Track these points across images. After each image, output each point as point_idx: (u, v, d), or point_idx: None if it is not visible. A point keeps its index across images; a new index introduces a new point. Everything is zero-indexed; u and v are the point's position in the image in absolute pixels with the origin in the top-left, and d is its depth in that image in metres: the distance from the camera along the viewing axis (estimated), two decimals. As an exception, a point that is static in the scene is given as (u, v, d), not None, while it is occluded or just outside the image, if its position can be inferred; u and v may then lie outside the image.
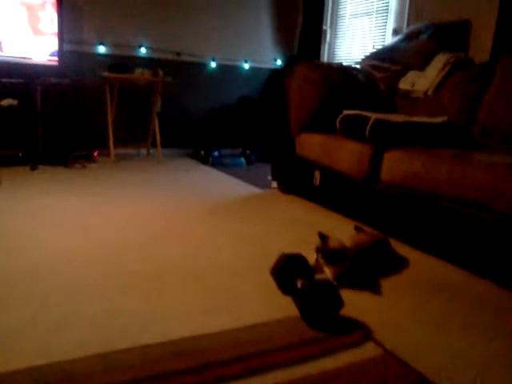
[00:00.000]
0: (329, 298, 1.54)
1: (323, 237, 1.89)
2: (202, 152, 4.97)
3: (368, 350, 1.40)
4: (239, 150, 5.32)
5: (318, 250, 1.87)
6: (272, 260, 1.86)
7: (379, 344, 1.43)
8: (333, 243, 1.86)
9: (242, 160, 4.94)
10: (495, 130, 2.53)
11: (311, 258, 1.90)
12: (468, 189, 1.97)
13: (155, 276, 1.87)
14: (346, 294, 1.76)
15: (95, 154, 4.68)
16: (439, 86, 3.03)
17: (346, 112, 2.73)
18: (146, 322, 1.51)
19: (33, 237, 2.28)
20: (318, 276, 1.84)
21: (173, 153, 5.24)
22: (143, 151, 5.17)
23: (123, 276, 1.86)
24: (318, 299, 1.53)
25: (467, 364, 1.38)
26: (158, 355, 1.32)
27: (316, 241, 1.93)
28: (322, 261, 1.87)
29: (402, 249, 2.32)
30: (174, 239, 2.36)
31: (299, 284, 1.68)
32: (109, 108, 4.58)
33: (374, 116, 2.46)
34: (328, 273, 1.87)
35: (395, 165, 2.34)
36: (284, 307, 1.66)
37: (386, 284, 1.93)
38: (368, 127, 2.46)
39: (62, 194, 3.16)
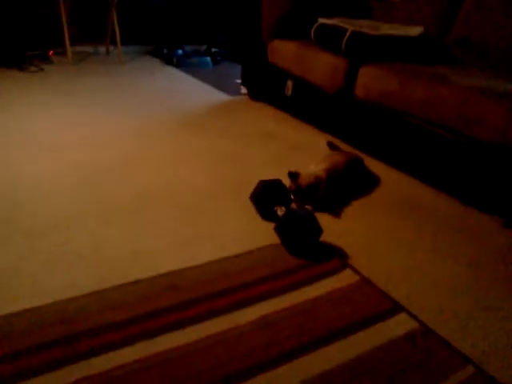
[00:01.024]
0: (308, 226, 1.61)
1: (294, 175, 1.90)
2: (166, 50, 4.73)
3: (346, 277, 1.51)
4: (204, 47, 5.08)
5: (291, 190, 1.89)
6: (249, 182, 1.89)
7: (356, 271, 1.54)
8: (303, 180, 1.89)
9: (208, 60, 4.75)
10: (470, 43, 2.50)
11: (287, 179, 1.95)
12: (441, 112, 2.00)
13: (134, 205, 1.88)
14: (323, 219, 1.84)
15: (50, 53, 4.37)
16: (416, -11, 2.91)
17: (321, 21, 2.62)
18: (132, 256, 1.55)
19: None
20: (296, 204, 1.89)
21: (133, 50, 4.96)
22: (102, 49, 4.87)
23: (103, 205, 1.86)
24: (298, 227, 1.60)
25: (434, 288, 1.51)
26: (149, 291, 1.38)
27: (290, 164, 1.96)
28: (295, 200, 1.90)
29: (374, 165, 2.39)
30: (148, 161, 2.32)
31: (279, 212, 1.74)
32: (61, 0, 4.18)
33: (350, 28, 2.38)
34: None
35: (371, 82, 2.32)
36: (265, 233, 1.73)
37: (360, 205, 2.02)
38: (344, 40, 2.38)
39: (20, 107, 2.99)
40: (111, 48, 4.80)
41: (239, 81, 3.69)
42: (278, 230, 1.65)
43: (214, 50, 4.97)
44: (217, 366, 1.13)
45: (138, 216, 1.80)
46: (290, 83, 2.95)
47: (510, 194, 1.87)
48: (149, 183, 2.07)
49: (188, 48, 4.97)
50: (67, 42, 4.24)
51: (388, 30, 2.53)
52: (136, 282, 1.42)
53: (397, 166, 2.38)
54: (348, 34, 2.38)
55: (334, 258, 1.61)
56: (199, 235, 1.70)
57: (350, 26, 2.41)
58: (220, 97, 3.63)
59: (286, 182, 1.92)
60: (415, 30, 2.50)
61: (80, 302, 1.31)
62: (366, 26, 2.52)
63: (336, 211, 1.94)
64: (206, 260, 1.55)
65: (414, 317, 1.35)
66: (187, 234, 1.70)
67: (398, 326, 1.31)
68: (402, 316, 1.35)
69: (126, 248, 1.59)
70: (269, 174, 1.94)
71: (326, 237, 1.70)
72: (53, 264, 1.47)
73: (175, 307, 1.32)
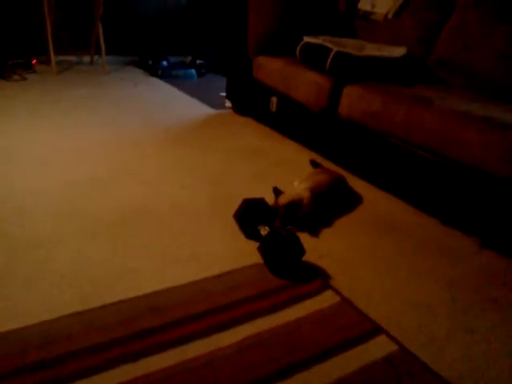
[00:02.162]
0: (291, 247, 1.63)
1: (277, 192, 1.96)
2: (150, 61, 4.74)
3: (327, 299, 1.53)
4: (189, 59, 5.10)
5: (272, 206, 1.92)
6: (234, 200, 1.91)
7: (337, 292, 1.56)
8: (284, 199, 1.92)
9: (193, 72, 4.76)
10: (452, 64, 2.57)
11: (271, 194, 1.98)
12: (423, 133, 2.04)
13: (118, 222, 1.88)
14: (306, 238, 1.87)
15: (33, 62, 4.35)
16: (400, 10, 2.98)
17: (306, 39, 2.66)
18: (116, 275, 1.55)
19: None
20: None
21: (118, 61, 4.96)
22: (86, 59, 4.86)
23: (85, 222, 1.85)
24: (281, 248, 1.62)
25: (413, 309, 1.54)
26: (131, 312, 1.38)
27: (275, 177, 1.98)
28: (278, 219, 1.92)
29: (356, 184, 2.43)
30: (132, 176, 2.32)
31: (262, 231, 1.76)
32: (46, 9, 4.14)
33: (335, 48, 2.42)
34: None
35: (354, 102, 2.36)
36: (248, 252, 1.75)
37: (342, 224, 2.05)
38: (329, 60, 2.43)
39: (2, 118, 2.97)
40: (95, 58, 4.79)
41: (224, 94, 3.71)
42: (260, 250, 1.67)
43: (198, 61, 4.99)
44: (200, 389, 1.14)
45: (121, 234, 1.80)
46: (274, 99, 2.98)
47: (486, 216, 1.92)
48: (132, 200, 2.07)
49: (173, 59, 4.98)
50: (51, 51, 4.22)
51: (372, 50, 2.58)
52: (119, 302, 1.42)
53: (379, 185, 2.42)
54: (332, 53, 2.42)
55: (316, 278, 1.63)
56: (183, 254, 1.71)
57: (334, 45, 2.46)
58: (204, 110, 3.64)
59: (271, 198, 1.95)
60: (398, 51, 2.56)
61: (62, 323, 1.31)
62: (350, 46, 2.57)
63: (318, 230, 1.97)
64: (189, 280, 1.56)
65: (393, 339, 1.38)
66: (171, 253, 1.71)
67: (377, 349, 1.33)
68: (382, 338, 1.38)
69: (109, 267, 1.59)
70: (253, 191, 1.96)
71: (308, 256, 1.72)
72: (33, 283, 1.47)
73: (158, 329, 1.32)
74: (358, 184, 2.44)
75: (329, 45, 2.47)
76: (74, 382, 1.12)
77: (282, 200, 1.92)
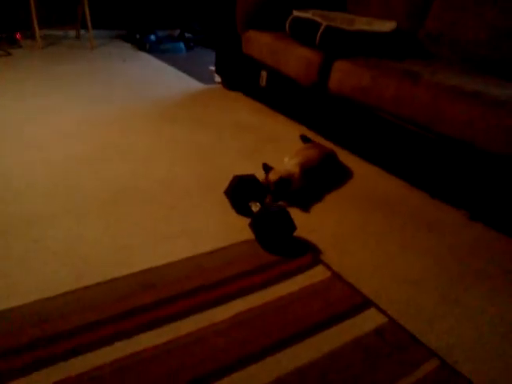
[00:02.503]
0: (282, 223, 1.64)
1: (267, 168, 1.96)
2: (138, 36, 4.65)
3: (318, 273, 1.55)
4: (177, 32, 5.02)
5: (263, 183, 1.93)
6: (224, 176, 1.92)
7: (328, 267, 1.59)
8: (273, 175, 1.92)
9: (182, 45, 4.69)
10: (441, 38, 2.55)
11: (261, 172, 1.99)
12: (412, 108, 2.05)
13: (109, 200, 1.88)
14: (297, 214, 1.88)
15: (17, 36, 4.25)
16: (390, -17, 2.93)
17: (295, 13, 2.62)
18: (108, 253, 1.56)
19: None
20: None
21: (105, 35, 4.87)
22: (72, 33, 4.76)
23: (76, 200, 1.85)
24: (272, 224, 1.63)
25: (402, 282, 1.57)
26: (125, 289, 1.39)
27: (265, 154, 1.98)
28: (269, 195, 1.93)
29: (347, 159, 2.44)
30: (122, 153, 2.30)
31: (253, 207, 1.77)
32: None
33: (325, 23, 2.39)
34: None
35: (344, 76, 2.34)
36: (240, 229, 1.76)
37: (332, 199, 2.07)
38: (318, 34, 2.40)
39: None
40: (82, 32, 4.69)
41: (213, 68, 3.66)
42: (252, 226, 1.68)
43: (187, 35, 4.91)
44: (194, 364, 1.16)
45: (112, 212, 1.80)
46: (264, 74, 2.96)
47: (474, 188, 1.95)
48: (122, 177, 2.06)
49: (161, 33, 4.90)
50: (36, 26, 4.12)
51: (362, 24, 2.56)
52: (112, 280, 1.43)
53: (369, 160, 2.43)
54: (322, 28, 2.39)
55: (307, 253, 1.65)
56: (174, 231, 1.71)
57: (323, 19, 2.43)
58: (194, 85, 3.60)
59: (261, 174, 1.96)
60: (388, 25, 2.54)
61: (57, 302, 1.32)
62: (340, 20, 2.55)
63: (309, 206, 1.98)
64: (182, 256, 1.57)
65: (382, 312, 1.41)
66: (162, 230, 1.71)
67: (367, 322, 1.36)
68: (372, 311, 1.41)
69: (101, 245, 1.59)
70: (244, 167, 1.97)
71: (299, 232, 1.74)
72: (27, 262, 1.47)
73: (152, 306, 1.34)
74: (348, 159, 2.44)
75: (318, 19, 2.44)
76: (69, 359, 1.14)
77: (272, 176, 1.93)
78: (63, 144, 2.34)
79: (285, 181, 1.91)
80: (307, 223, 1.85)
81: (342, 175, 2.29)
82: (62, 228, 1.66)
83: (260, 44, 2.92)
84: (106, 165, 2.16)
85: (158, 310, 1.32)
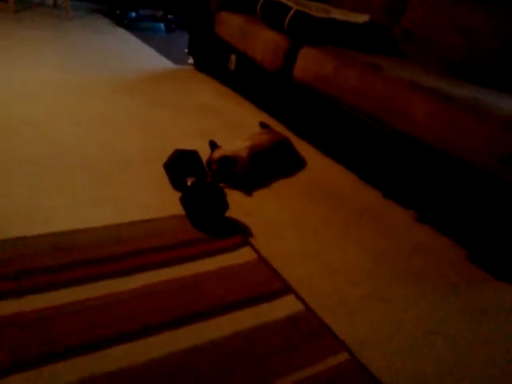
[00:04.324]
0: (213, 200, 1.56)
1: (213, 145, 1.89)
2: (118, 11, 4.53)
3: (243, 255, 1.48)
4: (160, 13, 4.91)
5: (206, 161, 1.85)
6: (170, 151, 1.82)
7: (255, 250, 1.51)
8: (217, 154, 1.84)
9: (162, 26, 4.59)
10: (415, 36, 2.50)
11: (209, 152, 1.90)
12: (371, 101, 1.99)
13: (42, 160, 1.78)
14: (236, 196, 1.80)
15: (-8, -3, 4.11)
16: (370, -22, 2.88)
17: (268, -5, 2.55)
18: (25, 210, 1.46)
19: None
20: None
21: (84, 7, 4.74)
22: (49, 1, 4.62)
23: (6, 158, 1.75)
24: (202, 200, 1.55)
25: (332, 275, 1.50)
26: (31, 248, 1.30)
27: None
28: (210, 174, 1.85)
29: (304, 149, 2.37)
30: (71, 117, 2.21)
31: (189, 182, 1.68)
32: None
33: (295, 7, 2.32)
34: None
35: (308, 64, 2.28)
36: (173, 203, 1.67)
37: (278, 186, 1.99)
38: (287, 18, 2.33)
39: None
40: (59, 1, 4.56)
41: (187, 51, 3.57)
42: (182, 200, 1.60)
43: (170, 17, 4.80)
44: (82, 330, 1.07)
45: (42, 173, 1.70)
46: (233, 57, 2.87)
47: (425, 189, 1.89)
48: (65, 141, 1.97)
49: (143, 12, 4.78)
50: (11, -12, 3.98)
51: (336, 14, 2.49)
52: (22, 238, 1.34)
53: (326, 152, 2.37)
54: (292, 12, 2.32)
55: (236, 235, 1.57)
56: (103, 198, 1.62)
57: (295, 5, 2.35)
58: (165, 64, 3.50)
59: (207, 154, 1.88)
60: (362, 18, 2.48)
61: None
62: (314, 9, 2.47)
63: (252, 190, 1.90)
64: (104, 224, 1.48)
65: (301, 300, 1.33)
66: (91, 196, 1.62)
67: (283, 308, 1.29)
68: (290, 298, 1.33)
69: (20, 202, 1.50)
70: (194, 146, 1.87)
71: (234, 213, 1.67)
72: None
73: (55, 268, 1.25)
74: (305, 149, 2.37)
75: (289, 3, 2.36)
76: None
77: (216, 154, 1.84)
78: (15, 103, 2.23)
79: (228, 160, 1.83)
80: (245, 206, 1.77)
81: (295, 164, 2.21)
82: (-19, 182, 1.56)
83: (231, 26, 2.84)
84: (51, 128, 2.06)
85: (62, 273, 1.23)
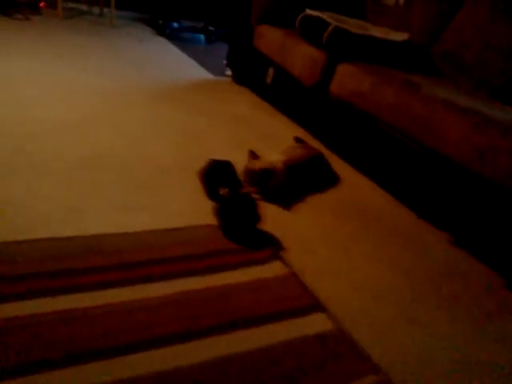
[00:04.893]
0: (245, 211, 1.57)
1: (254, 156, 1.90)
2: (161, 21, 4.63)
3: (274, 268, 1.47)
4: (201, 25, 5.00)
5: (245, 170, 1.86)
6: (205, 160, 1.83)
7: (286, 263, 1.50)
8: (257, 164, 1.85)
9: (202, 37, 4.67)
10: (454, 56, 2.46)
11: (244, 164, 1.91)
12: (407, 119, 1.96)
13: (80, 164, 1.82)
14: (270, 209, 1.81)
15: (41, 4, 4.27)
16: (412, -3, 2.86)
17: (307, 12, 2.56)
18: (60, 212, 1.50)
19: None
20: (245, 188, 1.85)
21: (128, 16, 4.86)
22: (96, 10, 4.76)
23: (45, 159, 1.80)
24: (235, 211, 1.56)
25: (361, 293, 1.47)
26: (67, 249, 1.33)
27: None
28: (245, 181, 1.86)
29: (339, 165, 2.35)
30: (110, 123, 2.26)
31: (221, 193, 1.69)
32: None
33: (334, 23, 2.32)
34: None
35: (345, 79, 2.27)
36: (206, 213, 1.68)
37: (312, 201, 1.98)
38: (326, 34, 2.33)
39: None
40: (105, 10, 4.69)
41: (226, 62, 3.62)
42: (216, 211, 1.60)
43: (210, 28, 4.88)
44: (105, 334, 1.08)
45: (81, 176, 1.74)
46: (271, 71, 2.89)
47: (462, 213, 1.85)
48: (103, 146, 2.01)
49: (185, 23, 4.88)
50: (60, -5, 4.13)
51: (374, 32, 2.48)
52: (55, 238, 1.37)
53: (361, 170, 2.35)
54: (330, 28, 2.32)
55: (267, 247, 1.56)
56: (138, 204, 1.65)
57: (334, 21, 2.36)
58: (204, 75, 3.55)
59: (242, 165, 1.89)
60: (400, 36, 2.46)
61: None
62: (352, 25, 2.47)
63: (285, 203, 1.90)
64: (136, 229, 1.50)
65: (331, 318, 1.31)
66: (126, 202, 1.65)
67: (312, 325, 1.27)
68: (320, 315, 1.32)
69: (55, 203, 1.53)
70: (228, 156, 1.89)
71: (265, 226, 1.67)
72: (-26, 209, 1.42)
73: (86, 270, 1.27)
74: (339, 165, 2.36)
75: (328, 19, 2.37)
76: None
77: (257, 165, 1.85)
78: (56, 107, 2.30)
79: (268, 172, 1.83)
80: (277, 219, 1.76)
81: (329, 180, 2.20)
82: (22, 183, 1.61)
83: (270, 39, 2.86)
84: (89, 131, 2.11)
85: (91, 276, 1.25)
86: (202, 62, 3.86)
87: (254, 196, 1.81)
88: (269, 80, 2.92)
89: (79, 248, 1.35)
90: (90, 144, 2.00)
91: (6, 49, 3.00)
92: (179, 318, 1.18)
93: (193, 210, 1.70)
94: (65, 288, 1.19)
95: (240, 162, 1.91)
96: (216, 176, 1.76)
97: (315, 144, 2.49)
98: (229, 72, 3.59)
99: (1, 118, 2.05)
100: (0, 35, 3.29)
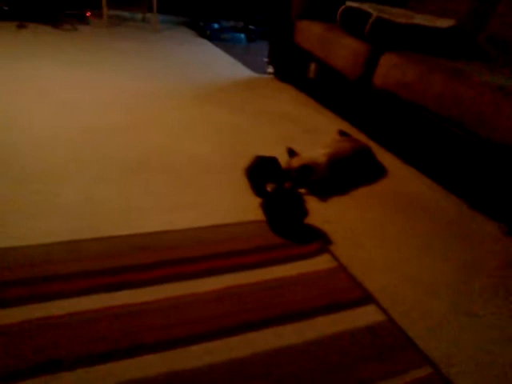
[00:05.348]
0: (292, 207, 1.57)
1: (291, 153, 1.90)
2: (201, 23, 4.70)
3: (323, 262, 1.47)
4: (241, 24, 5.03)
5: (285, 168, 1.87)
6: (250, 158, 1.85)
7: (335, 257, 1.50)
8: (297, 161, 1.85)
9: (242, 36, 4.70)
10: (503, 42, 2.37)
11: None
12: (456, 108, 1.91)
13: (130, 166, 1.88)
14: (316, 203, 1.80)
15: (88, 14, 4.42)
16: (456, -19, 2.77)
17: (348, 3, 2.53)
18: (114, 212, 1.55)
19: (9, 110, 2.24)
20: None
21: (170, 20, 4.96)
22: (139, 15, 4.89)
23: (97, 163, 1.87)
24: (282, 206, 1.56)
25: (414, 285, 1.45)
26: (122, 247, 1.38)
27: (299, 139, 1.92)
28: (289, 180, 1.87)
29: (385, 157, 2.32)
30: (157, 126, 2.32)
31: (269, 188, 1.71)
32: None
33: (375, 14, 2.29)
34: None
35: (389, 70, 2.23)
36: (253, 209, 1.70)
37: (358, 194, 1.96)
38: (368, 25, 2.30)
39: (47, 61, 3.05)
40: (148, 15, 4.81)
41: (267, 60, 3.63)
42: (262, 206, 1.62)
43: (250, 27, 4.91)
44: (165, 327, 1.12)
45: (132, 177, 1.80)
46: (313, 66, 2.88)
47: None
48: (151, 148, 2.07)
49: (225, 23, 4.93)
50: (104, 5, 4.26)
51: (418, 20, 2.42)
52: (111, 237, 1.42)
53: (408, 161, 2.30)
54: (372, 19, 2.29)
55: (315, 241, 1.57)
56: (187, 202, 1.69)
57: (376, 11, 2.32)
58: (246, 73, 3.58)
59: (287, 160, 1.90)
60: (446, 22, 2.39)
61: (51, 249, 1.32)
62: (395, 14, 2.43)
63: (332, 197, 1.89)
64: (186, 226, 1.54)
65: (383, 310, 1.30)
66: (174, 200, 1.69)
67: (363, 317, 1.27)
68: (370, 307, 1.31)
69: (110, 205, 1.59)
70: (273, 153, 1.91)
71: (313, 220, 1.67)
72: (35, 211, 1.49)
73: (141, 267, 1.31)
74: (386, 157, 2.33)
75: (369, 10, 2.34)
76: (50, 301, 1.13)
77: (295, 163, 1.85)
78: (104, 111, 2.39)
79: (307, 168, 1.83)
80: (324, 213, 1.76)
81: (376, 173, 2.17)
82: (78, 185, 1.68)
83: (311, 34, 2.85)
84: (137, 135, 2.18)
85: (146, 272, 1.30)
86: (244, 61, 3.89)
87: (301, 191, 1.81)
88: (311, 75, 2.91)
89: (134, 246, 1.40)
90: (140, 146, 2.07)
91: (55, 58, 3.13)
92: (233, 311, 1.20)
93: (240, 206, 1.72)
94: (122, 284, 1.23)
95: (285, 158, 1.92)
96: (262, 172, 1.78)
97: (360, 137, 2.46)
98: (270, 69, 3.60)
99: (58, 123, 2.14)
100: (50, 46, 3.43)
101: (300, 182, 1.84)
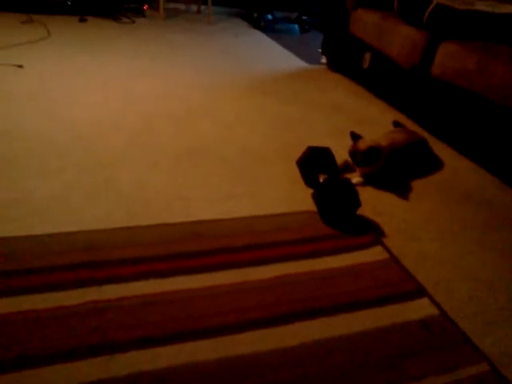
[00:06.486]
0: (345, 197, 1.56)
1: (355, 137, 1.86)
2: (255, 14, 4.71)
3: (375, 254, 1.45)
4: (295, 15, 5.00)
5: (349, 151, 1.84)
6: (302, 149, 1.85)
7: (387, 249, 1.48)
8: (363, 144, 1.82)
9: (296, 27, 4.67)
10: None
11: (341, 151, 1.90)
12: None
13: (183, 156, 1.92)
14: (371, 194, 1.79)
15: (145, 7, 4.53)
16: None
17: (406, -10, 2.47)
18: (169, 200, 1.60)
19: (73, 101, 2.35)
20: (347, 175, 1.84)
21: (224, 12, 5.00)
22: (193, 8, 4.96)
23: (153, 151, 1.93)
24: (335, 197, 1.56)
25: (469, 280, 1.41)
26: (175, 234, 1.42)
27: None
28: (351, 162, 1.86)
29: (441, 150, 2.25)
30: (209, 116, 2.36)
31: (321, 179, 1.70)
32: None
33: (435, 0, 2.21)
34: (356, 174, 1.87)
35: (448, 59, 2.16)
36: (305, 199, 1.70)
37: (415, 186, 1.92)
38: (427, 12, 2.23)
39: (108, 54, 3.16)
40: (203, 7, 4.87)
41: (320, 50, 3.60)
42: (314, 197, 1.62)
43: (304, 18, 4.87)
44: (216, 313, 1.15)
45: (183, 166, 1.84)
46: (367, 55, 2.83)
47: None
48: (204, 137, 2.11)
49: (279, 14, 4.91)
50: (161, -2, 4.35)
51: (481, 6, 2.32)
52: (166, 224, 1.47)
53: (465, 154, 2.22)
54: (432, 5, 2.22)
55: (368, 233, 1.55)
56: (239, 192, 1.71)
57: (437, -2, 2.25)
58: (298, 64, 3.57)
59: (339, 152, 1.88)
60: (508, 8, 2.28)
61: (108, 235, 1.38)
62: (455, 1, 2.34)
63: (387, 188, 1.86)
64: (238, 216, 1.56)
65: (436, 304, 1.28)
66: (226, 189, 1.72)
67: (416, 310, 1.25)
68: (424, 301, 1.28)
69: (163, 192, 1.64)
70: (326, 143, 1.90)
71: (366, 212, 1.65)
72: (95, 197, 1.56)
73: (194, 254, 1.35)
74: (442, 149, 2.26)
75: (430, -4, 2.27)
76: (103, 285, 1.18)
77: (363, 144, 1.82)
78: (158, 101, 2.45)
79: (374, 150, 1.80)
80: (378, 205, 1.74)
81: (432, 165, 2.12)
82: (134, 173, 1.74)
83: (366, 23, 2.80)
84: (190, 125, 2.23)
85: (199, 259, 1.33)
86: (297, 52, 3.87)
87: (355, 181, 1.79)
88: (365, 65, 2.86)
89: (188, 233, 1.43)
90: (193, 136, 2.11)
91: (115, 50, 3.24)
92: (282, 300, 1.22)
93: (291, 196, 1.73)
94: (175, 270, 1.27)
95: (337, 149, 1.90)
96: (314, 163, 1.77)
97: (415, 128, 2.40)
98: (324, 60, 3.56)
99: (117, 113, 2.22)
100: (110, 38, 3.55)
101: (366, 165, 1.81)
